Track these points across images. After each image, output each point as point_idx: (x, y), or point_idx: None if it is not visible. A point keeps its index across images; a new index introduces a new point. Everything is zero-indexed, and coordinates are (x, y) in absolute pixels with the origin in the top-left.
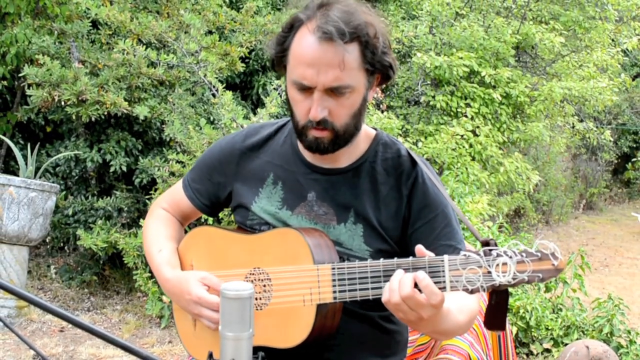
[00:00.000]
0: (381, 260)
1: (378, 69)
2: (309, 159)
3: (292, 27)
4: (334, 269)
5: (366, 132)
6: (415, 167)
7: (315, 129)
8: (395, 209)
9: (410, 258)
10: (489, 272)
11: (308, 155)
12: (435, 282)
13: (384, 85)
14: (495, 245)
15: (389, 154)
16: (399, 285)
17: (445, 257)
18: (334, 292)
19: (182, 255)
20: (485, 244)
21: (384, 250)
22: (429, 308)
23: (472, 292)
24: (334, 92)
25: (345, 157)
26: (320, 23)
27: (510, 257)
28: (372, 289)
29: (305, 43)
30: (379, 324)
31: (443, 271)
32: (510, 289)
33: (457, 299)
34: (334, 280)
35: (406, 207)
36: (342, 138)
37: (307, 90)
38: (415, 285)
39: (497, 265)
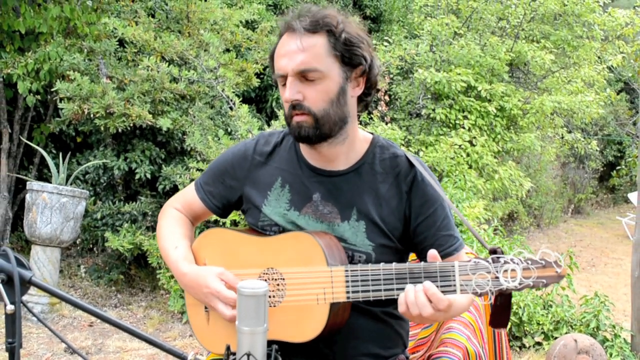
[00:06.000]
0: (394, 264)
1: (347, 57)
2: (313, 163)
3: (280, 38)
4: (347, 271)
5: (364, 136)
6: (412, 167)
7: (296, 114)
8: (396, 205)
9: (422, 263)
10: (497, 278)
11: (311, 159)
12: (447, 286)
13: (383, 94)
14: (502, 253)
15: (386, 155)
16: (416, 301)
17: (456, 263)
18: (347, 292)
19: (195, 254)
20: (493, 252)
21: (385, 245)
22: (441, 314)
23: (480, 295)
24: (304, 76)
25: (345, 160)
26: (290, 21)
27: (517, 264)
28: (385, 290)
29: (279, 43)
30: (382, 318)
31: (454, 276)
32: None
33: None
34: (347, 282)
35: (406, 203)
36: (322, 125)
37: (285, 80)
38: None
39: (505, 271)
